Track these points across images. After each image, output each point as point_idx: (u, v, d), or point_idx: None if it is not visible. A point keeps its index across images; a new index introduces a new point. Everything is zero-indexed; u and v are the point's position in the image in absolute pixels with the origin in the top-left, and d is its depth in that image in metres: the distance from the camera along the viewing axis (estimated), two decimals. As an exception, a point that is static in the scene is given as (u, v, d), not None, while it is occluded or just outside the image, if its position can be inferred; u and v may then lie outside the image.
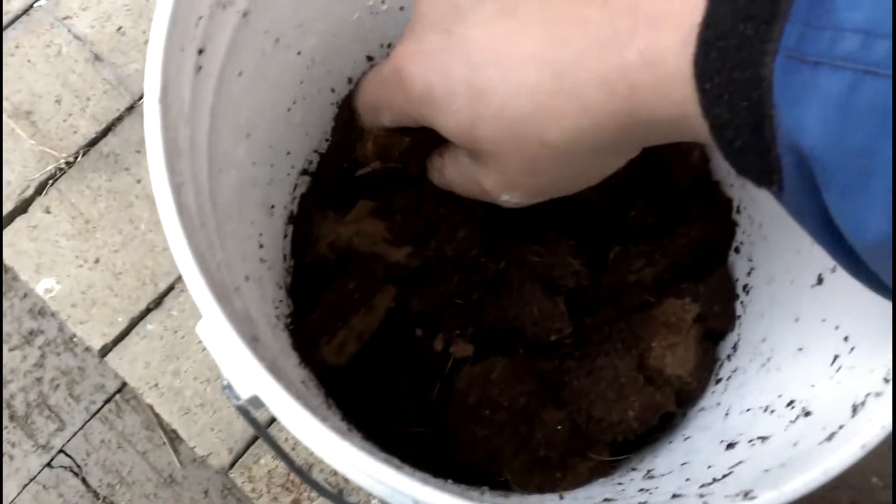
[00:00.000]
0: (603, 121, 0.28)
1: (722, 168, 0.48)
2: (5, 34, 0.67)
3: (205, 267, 0.28)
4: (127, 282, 0.62)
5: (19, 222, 0.64)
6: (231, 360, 0.28)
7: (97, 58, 0.68)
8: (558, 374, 0.44)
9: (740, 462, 0.33)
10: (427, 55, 0.31)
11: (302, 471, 0.35)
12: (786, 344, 0.39)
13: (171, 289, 0.63)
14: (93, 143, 0.66)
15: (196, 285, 0.27)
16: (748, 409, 0.38)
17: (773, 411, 0.36)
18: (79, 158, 0.65)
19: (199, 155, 0.32)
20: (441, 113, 0.31)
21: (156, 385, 0.60)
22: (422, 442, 0.44)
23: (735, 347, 0.45)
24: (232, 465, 0.59)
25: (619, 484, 0.40)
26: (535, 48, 0.28)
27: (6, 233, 0.63)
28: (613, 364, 0.43)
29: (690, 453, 0.39)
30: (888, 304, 0.30)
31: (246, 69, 0.37)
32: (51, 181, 0.65)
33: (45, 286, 0.62)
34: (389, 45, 0.48)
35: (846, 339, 0.34)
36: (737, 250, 0.48)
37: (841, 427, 0.29)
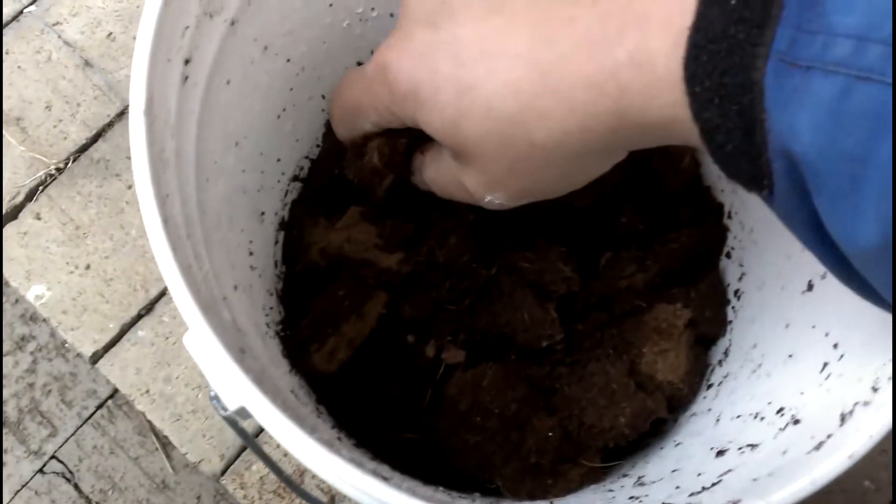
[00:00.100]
0: (590, 122, 0.28)
1: (713, 173, 0.48)
2: (-6, 40, 0.67)
3: (191, 279, 0.28)
4: (118, 288, 0.62)
5: (9, 229, 0.63)
6: (218, 372, 0.28)
7: (87, 64, 0.68)
8: (549, 381, 0.44)
9: (729, 470, 0.33)
10: (413, 51, 0.31)
11: (291, 480, 0.35)
12: (776, 350, 0.39)
13: (162, 295, 0.63)
14: (83, 148, 0.66)
15: (182, 298, 0.27)
16: (738, 416, 0.38)
17: (762, 418, 0.36)
18: (69, 164, 0.65)
19: (187, 165, 0.32)
20: (426, 109, 0.31)
21: (147, 391, 0.60)
22: (413, 448, 0.44)
23: (726, 353, 0.45)
24: (223, 472, 0.59)
25: (610, 491, 0.40)
26: (523, 47, 0.28)
27: (-4, 239, 0.63)
28: (605, 370, 0.43)
29: (681, 460, 0.38)
30: (877, 312, 0.30)
31: (234, 78, 0.37)
32: (41, 187, 0.65)
33: (35, 293, 0.62)
34: (380, 52, 0.48)
35: (835, 346, 0.34)
36: (728, 255, 0.48)
37: (829, 436, 0.29)
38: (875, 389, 0.29)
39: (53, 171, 0.65)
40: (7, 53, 0.67)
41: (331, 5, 0.43)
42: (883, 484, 0.62)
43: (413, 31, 0.31)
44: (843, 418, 0.29)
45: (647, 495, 0.36)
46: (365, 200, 0.47)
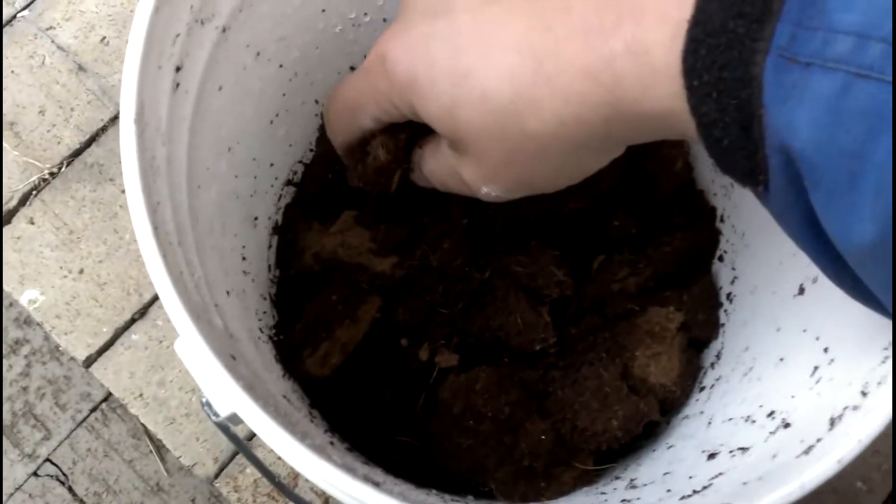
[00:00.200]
0: (585, 113, 0.27)
1: (706, 177, 0.49)
2: (-12, 44, 0.67)
3: (181, 286, 0.28)
4: (111, 292, 0.62)
5: (3, 233, 0.63)
6: (209, 379, 0.28)
7: (81, 68, 0.68)
8: (543, 384, 0.44)
9: (720, 474, 0.33)
10: (412, 40, 0.31)
11: (283, 485, 0.35)
12: (767, 353, 0.40)
13: (155, 299, 0.63)
14: (77, 153, 0.66)
15: (172, 306, 0.27)
16: (730, 419, 0.39)
17: (753, 421, 0.36)
18: (63, 169, 0.65)
19: (178, 172, 0.32)
20: (423, 98, 0.31)
21: (141, 395, 0.60)
22: (407, 452, 0.44)
23: (719, 356, 0.45)
24: (217, 475, 0.59)
25: (603, 493, 0.40)
26: (518, 34, 0.28)
27: (-10, 243, 0.63)
28: (597, 374, 0.43)
29: (673, 463, 0.39)
30: (867, 317, 0.30)
31: (226, 84, 0.37)
32: (34, 192, 0.65)
33: (29, 297, 0.62)
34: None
35: (826, 350, 0.34)
36: (720, 259, 0.48)
37: (819, 440, 0.29)
38: (864, 394, 0.29)
39: (47, 176, 0.65)
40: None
41: (323, 11, 0.43)
42: (875, 485, 0.62)
43: (412, 21, 0.31)
44: (832, 422, 0.29)
45: (638, 498, 0.36)
46: (360, 204, 0.47)
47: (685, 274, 0.48)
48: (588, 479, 0.43)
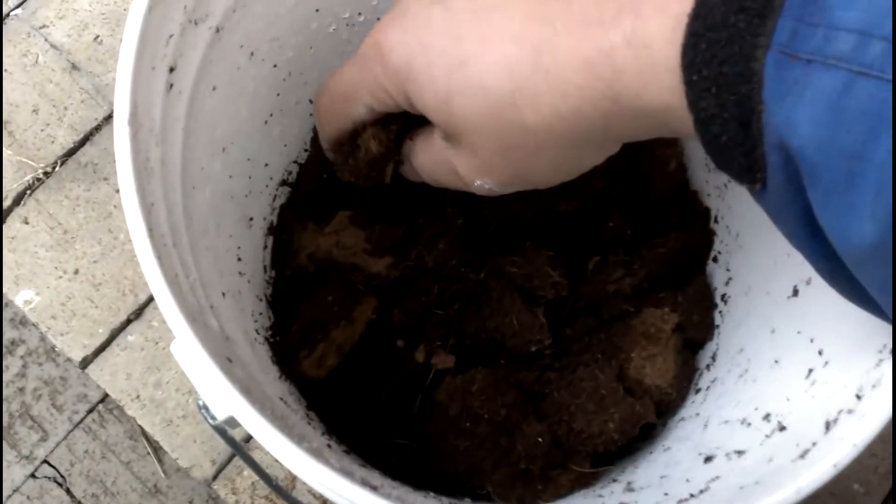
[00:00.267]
0: (583, 106, 0.27)
1: (700, 178, 0.49)
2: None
3: (176, 289, 0.28)
4: (107, 293, 0.62)
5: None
6: (206, 382, 0.28)
7: (74, 67, 0.67)
8: (539, 386, 0.44)
9: (717, 477, 0.33)
10: (408, 26, 0.31)
11: (280, 488, 0.35)
12: (762, 355, 0.40)
13: (151, 299, 0.62)
14: (71, 152, 0.66)
15: (168, 308, 0.27)
16: (726, 421, 0.39)
17: (749, 424, 0.36)
18: (57, 168, 0.65)
19: (172, 173, 0.32)
20: (418, 86, 0.30)
21: (137, 396, 0.60)
22: (404, 454, 0.44)
23: (714, 357, 0.45)
24: (215, 477, 0.59)
25: (600, 496, 0.40)
26: (517, 24, 0.28)
27: (-16, 244, 0.62)
28: (593, 375, 0.43)
29: (670, 465, 0.39)
30: (861, 319, 0.30)
31: (220, 84, 0.37)
32: (28, 192, 0.64)
33: (24, 298, 0.62)
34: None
35: (820, 352, 0.34)
36: (715, 260, 0.48)
37: (814, 444, 0.29)
38: (859, 397, 0.29)
39: (41, 175, 0.65)
40: (-7, 57, 0.67)
41: (317, 10, 0.43)
42: (872, 487, 0.62)
43: (409, 8, 0.31)
44: (827, 426, 0.29)
45: (636, 501, 0.36)
46: (355, 204, 0.47)
47: (680, 275, 0.48)
48: (585, 481, 0.43)
